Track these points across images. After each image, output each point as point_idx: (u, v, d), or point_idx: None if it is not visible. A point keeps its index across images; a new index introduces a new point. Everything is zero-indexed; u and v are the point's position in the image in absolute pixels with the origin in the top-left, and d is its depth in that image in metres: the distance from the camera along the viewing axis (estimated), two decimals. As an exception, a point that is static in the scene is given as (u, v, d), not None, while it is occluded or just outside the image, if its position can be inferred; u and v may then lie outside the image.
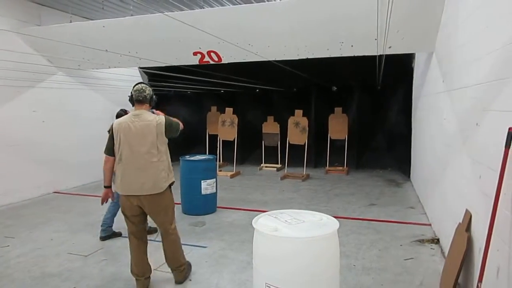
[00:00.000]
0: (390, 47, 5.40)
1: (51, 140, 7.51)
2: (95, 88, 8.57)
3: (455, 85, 3.91)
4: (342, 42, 5.47)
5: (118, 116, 4.34)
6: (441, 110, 4.66)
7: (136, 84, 3.62)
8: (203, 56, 6.30)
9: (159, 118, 3.47)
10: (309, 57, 5.94)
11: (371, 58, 6.06)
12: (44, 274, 3.89)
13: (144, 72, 10.01)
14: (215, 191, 6.07)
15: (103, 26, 6.10)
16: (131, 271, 3.57)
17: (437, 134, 5.00)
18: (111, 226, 4.93)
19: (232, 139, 9.44)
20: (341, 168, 9.45)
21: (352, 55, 5.67)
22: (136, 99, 3.50)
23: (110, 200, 3.73)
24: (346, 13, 4.96)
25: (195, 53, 6.28)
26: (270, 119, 9.89)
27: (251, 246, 4.54)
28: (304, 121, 9.08)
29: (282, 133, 9.62)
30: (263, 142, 10.04)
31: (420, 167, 6.83)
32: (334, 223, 2.64)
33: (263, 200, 6.94)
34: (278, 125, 9.72)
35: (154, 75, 9.80)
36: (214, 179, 6.05)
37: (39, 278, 3.80)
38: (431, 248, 4.42)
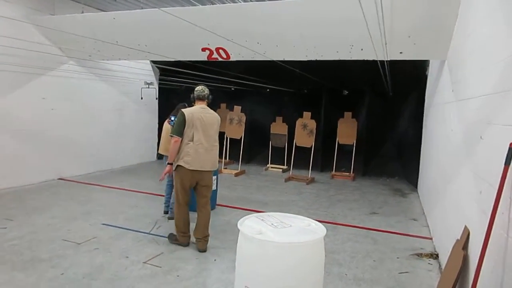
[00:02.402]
0: (401, 53, 5.27)
1: (59, 127, 7.58)
2: (106, 79, 8.62)
3: (463, 95, 3.78)
4: (352, 45, 5.35)
5: (180, 107, 5.10)
6: (448, 121, 4.52)
7: (198, 86, 4.51)
8: (211, 52, 6.26)
9: (217, 114, 4.47)
10: (318, 59, 5.84)
11: (384, 64, 5.93)
12: (35, 259, 3.90)
13: (156, 66, 10.05)
14: (215, 188, 6.01)
15: (114, 18, 6.11)
16: (180, 231, 4.38)
17: (443, 145, 4.85)
18: None
19: (239, 138, 9.39)
20: (347, 173, 9.32)
21: (362, 58, 5.55)
22: (197, 97, 4.41)
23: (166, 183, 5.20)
24: (356, 16, 4.83)
25: (203, 49, 6.24)
26: (279, 119, 9.81)
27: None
28: (312, 124, 8.97)
29: (290, 135, 9.54)
30: (270, 142, 9.97)
31: (426, 178, 6.66)
32: (321, 230, 2.56)
33: (264, 201, 6.87)
34: (287, 126, 9.63)
35: (165, 69, 9.82)
36: (215, 176, 6.00)
37: (29, 262, 3.81)
38: (429, 263, 4.28)
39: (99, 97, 8.54)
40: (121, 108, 9.10)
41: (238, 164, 9.63)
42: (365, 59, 5.54)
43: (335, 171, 9.42)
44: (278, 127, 9.75)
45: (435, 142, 5.66)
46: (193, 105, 4.49)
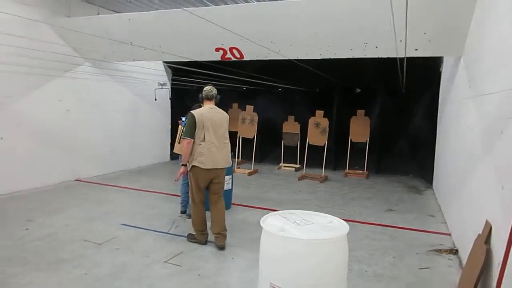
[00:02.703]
0: (416, 50, 5.24)
1: (75, 129, 7.69)
2: (119, 80, 8.71)
3: (481, 91, 3.75)
4: (366, 43, 5.34)
5: (195, 107, 5.10)
6: (465, 117, 4.49)
7: (206, 86, 4.57)
8: (225, 52, 6.30)
9: (225, 113, 4.57)
10: (331, 57, 5.84)
11: (396, 61, 5.90)
12: (57, 259, 3.97)
13: (168, 66, 10.13)
14: (230, 187, 6.05)
15: (129, 19, 6.19)
16: (198, 230, 4.47)
17: (460, 141, 4.82)
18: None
19: (251, 137, 9.42)
20: (360, 171, 9.28)
21: (376, 56, 5.53)
22: (205, 96, 4.48)
23: (181, 183, 5.33)
24: (371, 13, 4.83)
25: (217, 49, 6.28)
26: (291, 118, 9.81)
27: (261, 244, 4.55)
28: (325, 122, 8.96)
29: (302, 133, 9.53)
30: (282, 141, 9.98)
31: (442, 175, 6.61)
32: (344, 227, 2.57)
33: (278, 199, 6.89)
34: (299, 125, 9.63)
35: (177, 69, 9.89)
36: (230, 176, 6.03)
37: (52, 263, 3.88)
38: (449, 259, 4.26)
39: (114, 98, 8.64)
40: (135, 109, 9.19)
41: (251, 164, 9.66)
42: (380, 56, 5.52)
43: (348, 169, 9.39)
44: (290, 126, 9.75)
45: (452, 139, 5.62)
46: (201, 105, 4.64)
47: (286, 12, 5.25)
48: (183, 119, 5.11)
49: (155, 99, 9.53)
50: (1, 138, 6.35)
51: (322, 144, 8.93)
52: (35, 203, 6.01)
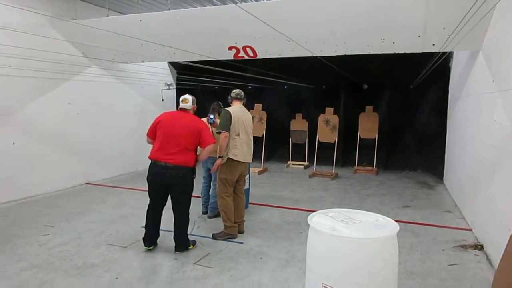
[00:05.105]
0: (433, 45, 5.24)
1: (84, 132, 7.62)
2: (126, 82, 8.64)
3: (508, 85, 3.76)
4: (384, 39, 5.33)
5: (215, 106, 5.50)
6: (489, 111, 4.50)
7: (235, 89, 5.01)
8: (238, 51, 6.25)
9: (250, 114, 4.97)
10: (347, 54, 5.82)
11: (405, 56, 5.85)
12: (86, 264, 3.93)
13: (173, 66, 10.06)
14: (248, 187, 6.01)
15: (140, 20, 6.12)
16: (232, 223, 4.67)
17: (482, 135, 4.83)
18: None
19: (260, 135, 9.39)
20: (370, 167, 9.30)
21: (393, 52, 5.52)
22: (235, 97, 4.90)
23: (202, 185, 5.64)
24: (390, 6, 4.81)
25: (230, 48, 6.24)
26: (299, 116, 9.80)
27: (287, 243, 4.57)
28: (335, 119, 8.97)
29: (310, 131, 9.51)
30: (290, 139, 9.96)
31: (457, 170, 6.63)
32: (393, 225, 2.56)
33: (293, 197, 6.87)
34: (307, 123, 9.62)
35: (182, 69, 9.82)
36: (248, 175, 6.00)
37: (82, 268, 3.84)
38: (475, 255, 4.27)
39: (121, 100, 8.57)
40: (142, 110, 9.11)
41: (260, 162, 9.63)
42: (396, 52, 5.51)
43: (357, 165, 9.40)
44: (298, 124, 9.74)
45: (469, 133, 5.63)
46: (220, 104, 5.40)
47: (301, 7, 5.21)
48: (211, 116, 5.16)
49: (162, 100, 9.46)
50: (13, 143, 6.27)
51: (332, 141, 8.94)
52: (51, 208, 5.95)
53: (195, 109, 4.47)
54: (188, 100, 4.31)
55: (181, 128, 4.12)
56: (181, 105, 4.32)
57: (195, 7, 6.50)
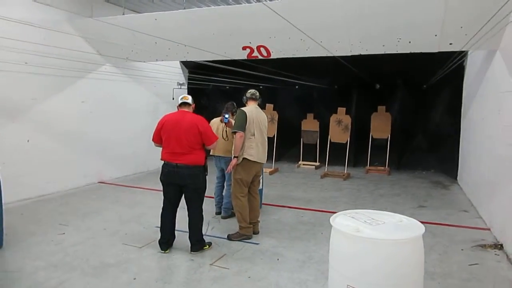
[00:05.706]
0: (451, 44, 5.17)
1: (97, 131, 7.65)
2: (139, 81, 8.66)
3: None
4: (400, 38, 5.26)
5: (229, 106, 5.46)
6: (508, 111, 4.42)
7: (250, 89, 4.98)
8: (252, 50, 6.23)
9: (265, 114, 4.95)
10: (362, 53, 5.77)
11: (419, 56, 5.78)
12: (103, 264, 3.92)
13: (184, 65, 10.06)
14: (261, 187, 5.98)
15: (155, 19, 6.12)
16: (247, 223, 4.64)
17: (501, 135, 4.75)
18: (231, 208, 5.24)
19: (272, 136, 9.36)
20: (382, 168, 9.22)
21: (409, 51, 5.45)
22: (250, 97, 4.85)
23: (216, 185, 5.62)
24: (408, 4, 4.75)
25: (244, 48, 6.22)
26: (310, 116, 9.75)
27: (303, 244, 4.53)
28: (347, 119, 8.91)
29: (321, 131, 9.46)
30: (301, 139, 9.91)
31: (472, 170, 6.54)
32: (418, 226, 2.52)
33: (306, 198, 6.83)
34: (318, 123, 9.57)
35: (195, 67, 9.81)
36: (261, 175, 5.97)
37: (99, 268, 3.84)
38: (496, 254, 4.20)
39: (133, 98, 8.60)
40: (154, 109, 9.13)
41: (271, 163, 9.59)
42: (412, 52, 5.44)
43: (369, 166, 9.33)
44: (310, 124, 9.69)
45: (486, 132, 5.55)
46: (234, 104, 5.39)
47: (317, 7, 5.17)
48: (226, 115, 5.11)
49: (173, 99, 9.47)
50: (28, 141, 6.32)
51: (345, 142, 8.88)
52: (65, 207, 5.98)
53: (194, 107, 4.45)
54: (188, 97, 4.35)
55: (182, 129, 4.13)
56: (183, 100, 4.33)
57: (209, 6, 6.48)
